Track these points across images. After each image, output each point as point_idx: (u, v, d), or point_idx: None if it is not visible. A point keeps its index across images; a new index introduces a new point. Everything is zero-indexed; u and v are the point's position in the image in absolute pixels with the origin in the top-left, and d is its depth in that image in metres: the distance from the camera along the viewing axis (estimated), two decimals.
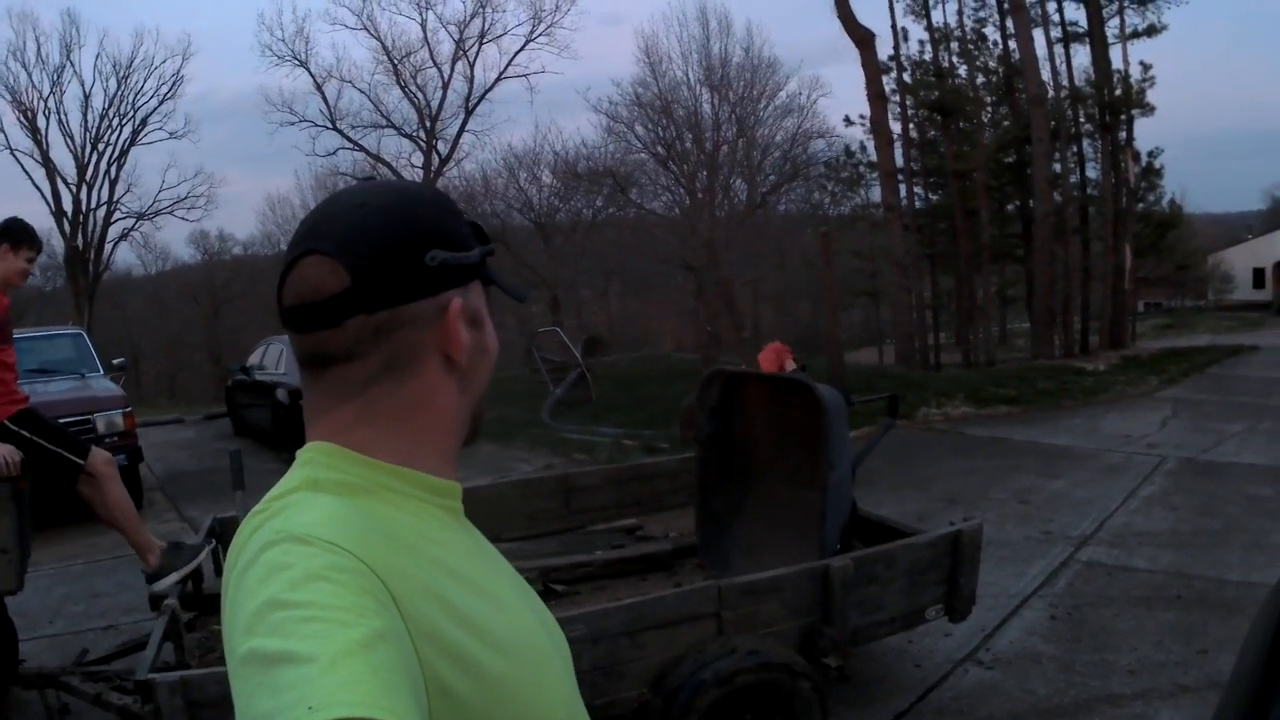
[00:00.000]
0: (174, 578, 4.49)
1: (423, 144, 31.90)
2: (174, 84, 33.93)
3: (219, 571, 4.56)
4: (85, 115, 33.32)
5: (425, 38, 31.31)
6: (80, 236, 33.54)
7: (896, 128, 22.94)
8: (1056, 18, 22.66)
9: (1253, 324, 35.02)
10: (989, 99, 24.61)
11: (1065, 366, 17.52)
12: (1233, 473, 8.97)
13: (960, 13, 23.78)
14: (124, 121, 33.84)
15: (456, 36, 31.34)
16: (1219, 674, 4.50)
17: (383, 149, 31.81)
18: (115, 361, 11.55)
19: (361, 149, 31.61)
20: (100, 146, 33.80)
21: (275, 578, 0.80)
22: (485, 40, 31.31)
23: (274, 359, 13.39)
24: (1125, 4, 22.17)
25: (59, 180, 33.27)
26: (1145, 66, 22.09)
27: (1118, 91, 21.80)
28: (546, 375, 16.22)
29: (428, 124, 31.69)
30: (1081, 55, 23.08)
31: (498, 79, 31.49)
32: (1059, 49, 22.57)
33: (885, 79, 21.98)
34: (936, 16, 23.80)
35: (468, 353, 0.98)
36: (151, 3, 74.47)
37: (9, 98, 31.74)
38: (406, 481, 0.96)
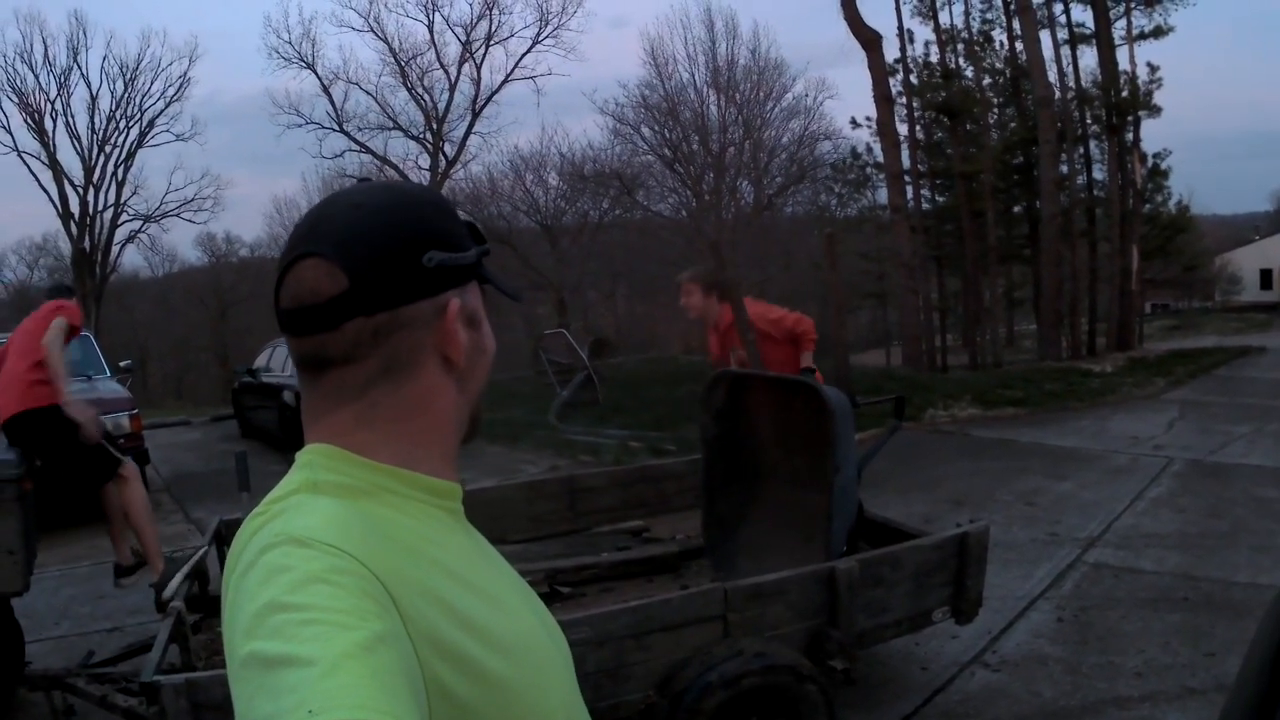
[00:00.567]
0: (178, 578, 4.52)
1: (429, 146, 31.97)
2: (181, 86, 34.15)
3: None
4: (92, 117, 33.52)
5: (432, 40, 31.45)
6: (87, 238, 33.68)
7: (903, 129, 22.94)
8: (1063, 19, 22.67)
9: (1260, 325, 34.98)
10: (996, 100, 24.58)
11: (1072, 368, 17.48)
12: (1240, 474, 8.94)
13: (967, 14, 23.75)
14: (131, 123, 34.05)
15: (463, 38, 31.45)
16: (1226, 676, 4.49)
17: (389, 151, 31.92)
18: (122, 363, 11.59)
19: (368, 151, 31.71)
20: (107, 148, 33.99)
21: (275, 580, 0.80)
22: (492, 42, 31.43)
23: (280, 361, 13.43)
24: (1132, 5, 22.15)
25: (66, 182, 33.45)
26: (1153, 68, 22.08)
27: (1125, 93, 21.77)
28: (553, 377, 16.21)
29: (434, 126, 31.76)
30: (1088, 57, 23.04)
31: (504, 81, 31.60)
32: (1066, 50, 22.57)
33: (892, 81, 21.98)
34: (943, 18, 23.72)
35: (466, 353, 0.98)
36: (158, 5, 74.93)
37: (16, 100, 31.98)
38: (406, 483, 0.95)
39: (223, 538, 4.84)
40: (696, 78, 30.63)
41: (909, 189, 22.59)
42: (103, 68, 34.47)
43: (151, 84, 33.83)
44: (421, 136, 32.03)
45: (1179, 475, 9.03)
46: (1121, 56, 22.12)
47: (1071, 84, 22.60)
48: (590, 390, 15.42)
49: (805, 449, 4.60)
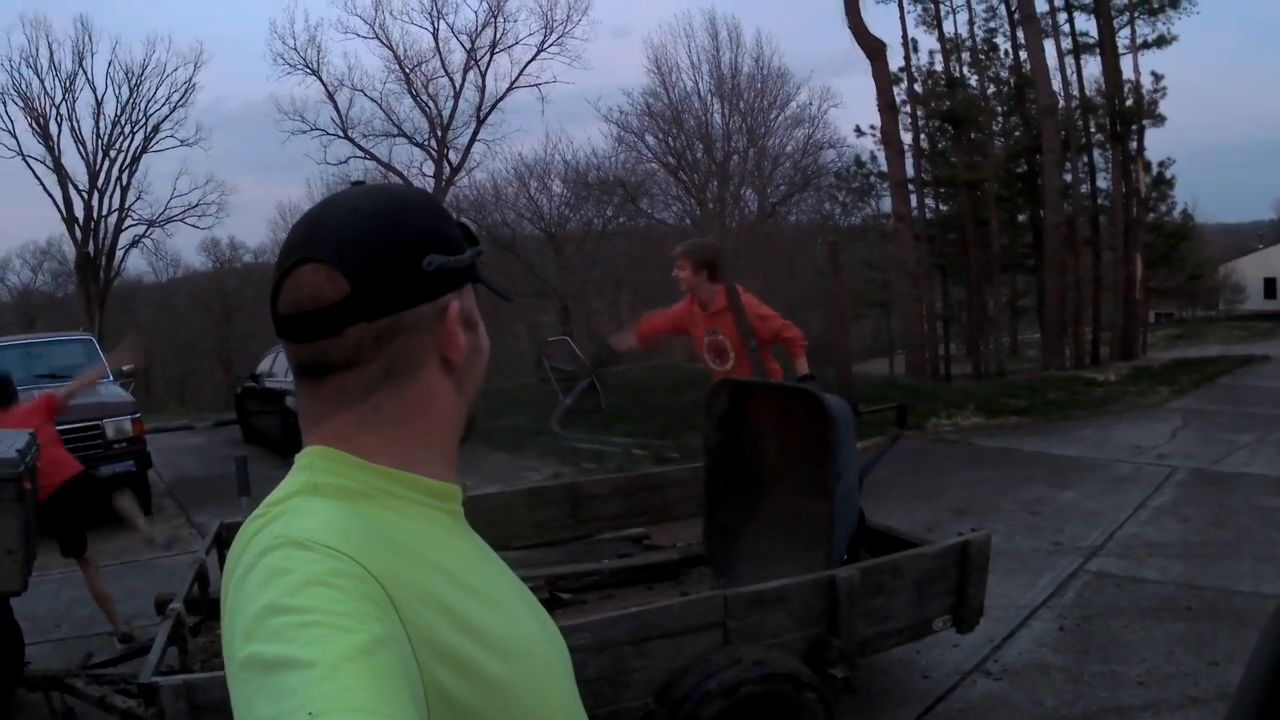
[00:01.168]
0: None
1: (434, 153, 32.08)
2: (186, 91, 34.18)
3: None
4: (97, 122, 33.56)
5: (437, 47, 31.58)
6: (91, 243, 33.71)
7: (907, 138, 22.93)
8: (1067, 28, 22.64)
9: (1264, 334, 34.88)
10: (1000, 109, 24.56)
11: (1076, 377, 17.45)
12: (1243, 483, 8.91)
13: (971, 23, 23.71)
14: (136, 128, 34.09)
15: (468, 46, 31.58)
16: (1229, 685, 4.48)
17: (394, 158, 32.05)
18: (125, 368, 11.58)
19: (373, 158, 31.84)
20: (112, 153, 34.03)
21: (275, 583, 0.80)
22: (497, 50, 31.57)
23: (283, 367, 13.43)
24: (1136, 14, 22.14)
25: (71, 186, 33.48)
26: (1157, 77, 22.07)
27: (1129, 101, 21.77)
28: (556, 385, 16.17)
29: (439, 133, 31.87)
30: (1092, 65, 23.00)
31: (509, 88, 31.72)
32: (1070, 59, 22.54)
33: (896, 89, 21.97)
34: (948, 27, 23.70)
35: (464, 355, 0.99)
36: (164, 10, 75.05)
37: (22, 104, 32.03)
38: (407, 486, 0.95)
39: (223, 541, 4.84)
40: (700, 86, 30.80)
41: (913, 197, 22.57)
42: (108, 73, 34.48)
43: (157, 89, 33.93)
44: (426, 143, 32.17)
45: (1182, 484, 9.01)
46: (1125, 65, 22.15)
47: (1075, 93, 22.58)
48: (593, 398, 15.41)
49: (807, 456, 4.60)
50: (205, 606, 4.49)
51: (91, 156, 33.65)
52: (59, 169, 33.04)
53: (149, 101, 33.95)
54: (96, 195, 33.83)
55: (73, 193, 33.54)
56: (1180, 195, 35.49)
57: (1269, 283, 56.70)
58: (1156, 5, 22.03)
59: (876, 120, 21.94)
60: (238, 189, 54.07)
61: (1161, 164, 24.30)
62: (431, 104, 31.77)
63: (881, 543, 4.75)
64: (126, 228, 35.17)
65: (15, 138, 32.29)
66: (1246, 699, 1.05)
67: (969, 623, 4.34)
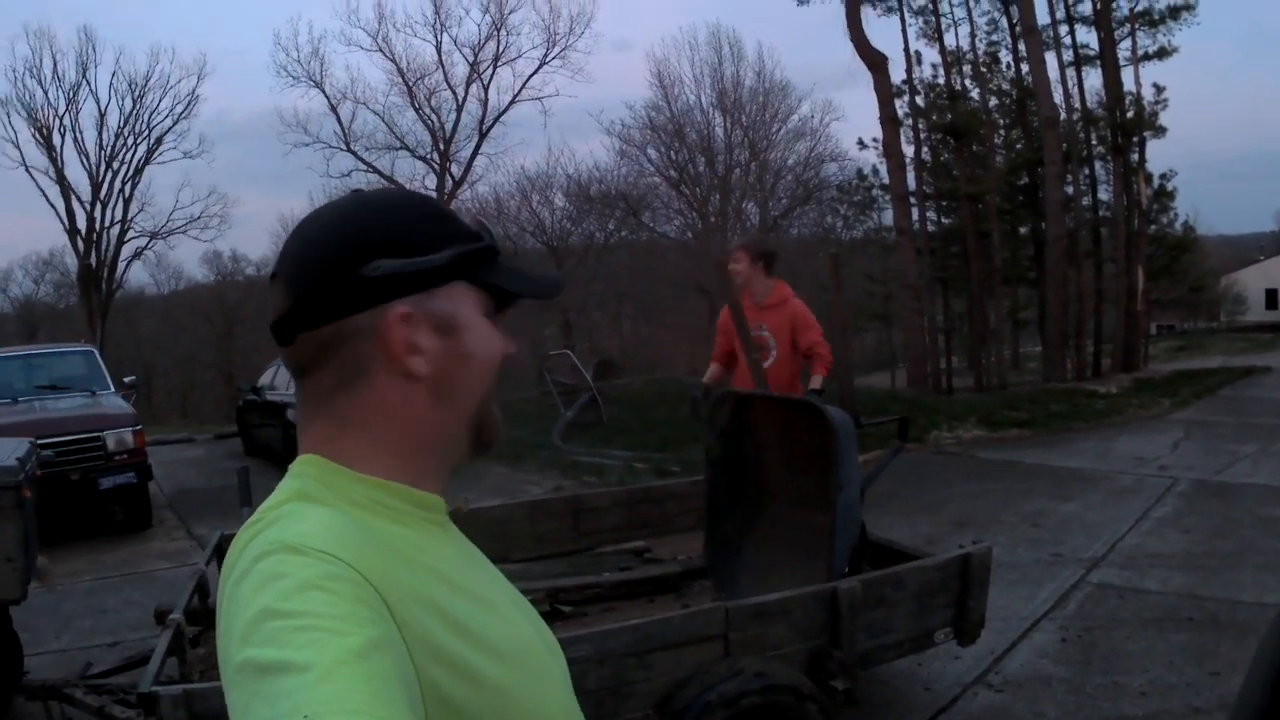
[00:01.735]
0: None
1: (436, 166, 32.11)
2: (189, 103, 34.14)
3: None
4: (100, 133, 33.51)
5: (440, 60, 31.62)
6: (94, 254, 33.70)
7: (909, 151, 23.02)
8: (1068, 40, 22.72)
9: (1265, 345, 34.90)
10: (1001, 122, 24.62)
11: (1077, 389, 17.43)
12: (1245, 494, 8.90)
13: (973, 36, 23.79)
14: (139, 140, 34.04)
15: (471, 59, 31.65)
16: (1231, 696, 4.45)
17: (396, 171, 32.11)
18: (126, 379, 11.58)
19: (375, 171, 31.88)
20: (115, 165, 33.98)
21: (270, 587, 0.80)
22: (500, 63, 31.63)
23: (285, 379, 13.44)
24: (1137, 26, 22.21)
25: (73, 198, 33.46)
26: (1158, 89, 22.15)
27: (1130, 114, 21.82)
28: (557, 398, 16.20)
29: (441, 146, 31.93)
30: (1093, 78, 23.08)
31: (511, 102, 31.78)
32: (1071, 72, 22.61)
33: (898, 102, 22.06)
34: (949, 40, 23.80)
35: (436, 361, 0.96)
36: (168, 22, 75.22)
37: (25, 115, 32.03)
38: (393, 495, 0.96)
39: (223, 552, 4.81)
40: (702, 99, 30.85)
41: (914, 210, 22.60)
42: (111, 84, 34.40)
43: (160, 101, 33.89)
44: (428, 156, 32.22)
45: (1184, 495, 9.00)
46: (1126, 77, 22.23)
47: (1077, 105, 22.66)
48: (595, 411, 15.42)
49: (808, 468, 4.60)
50: (205, 617, 4.49)
51: (94, 168, 33.66)
52: (62, 180, 33.03)
53: (152, 113, 33.95)
54: (99, 207, 33.81)
55: (75, 204, 33.55)
56: (1181, 207, 35.49)
57: (1270, 294, 56.76)
58: (1157, 17, 22.13)
59: (878, 133, 22.05)
60: (240, 201, 54.33)
61: (1163, 176, 24.38)
62: (434, 117, 31.85)
63: (883, 555, 4.74)
64: (129, 239, 35.16)
65: (19, 149, 32.33)
66: (1246, 707, 1.04)
67: (970, 635, 4.33)
